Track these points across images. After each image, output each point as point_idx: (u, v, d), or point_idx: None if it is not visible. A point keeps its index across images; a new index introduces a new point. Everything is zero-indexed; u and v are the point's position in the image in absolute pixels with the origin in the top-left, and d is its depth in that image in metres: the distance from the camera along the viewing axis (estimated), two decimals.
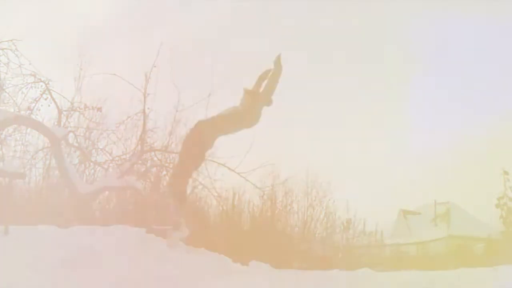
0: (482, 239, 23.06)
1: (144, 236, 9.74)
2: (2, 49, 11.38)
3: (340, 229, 21.30)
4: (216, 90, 13.92)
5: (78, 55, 15.07)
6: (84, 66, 15.11)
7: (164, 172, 15.78)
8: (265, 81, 6.98)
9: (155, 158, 14.92)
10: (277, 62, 7.85)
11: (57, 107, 12.89)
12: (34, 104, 12.91)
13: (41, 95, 12.95)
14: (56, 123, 12.99)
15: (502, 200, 22.39)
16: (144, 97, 13.90)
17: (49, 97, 12.93)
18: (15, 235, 8.36)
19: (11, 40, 11.44)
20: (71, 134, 12.89)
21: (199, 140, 9.14)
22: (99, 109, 13.66)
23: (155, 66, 14.22)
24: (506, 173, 22.09)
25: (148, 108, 14.07)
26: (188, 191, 18.30)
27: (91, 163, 14.20)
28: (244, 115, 8.00)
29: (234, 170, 13.52)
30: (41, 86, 12.86)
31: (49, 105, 12.97)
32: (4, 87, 12.15)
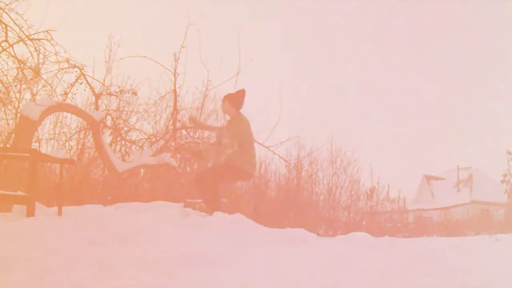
0: (503, 205, 23.43)
1: (183, 210, 10.39)
2: (39, 40, 11.93)
3: (364, 197, 21.94)
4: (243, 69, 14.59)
5: (107, 37, 15.60)
6: (114, 48, 15.66)
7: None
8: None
9: (187, 136, 15.61)
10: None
11: (93, 92, 13.55)
12: (69, 89, 13.57)
13: (76, 80, 13.57)
14: (93, 107, 13.71)
15: (506, 177, 25.35)
16: (175, 77, 14.61)
17: (84, 81, 13.56)
18: (68, 215, 9.16)
19: (47, 31, 11.97)
20: (108, 117, 13.61)
21: None
22: (135, 93, 14.37)
23: (183, 47, 14.82)
24: (509, 153, 24.82)
25: (179, 87, 14.79)
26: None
27: (127, 142, 14.95)
28: None
29: (263, 144, 14.15)
30: (76, 71, 13.44)
31: (84, 90, 13.65)
32: (42, 75, 12.80)
